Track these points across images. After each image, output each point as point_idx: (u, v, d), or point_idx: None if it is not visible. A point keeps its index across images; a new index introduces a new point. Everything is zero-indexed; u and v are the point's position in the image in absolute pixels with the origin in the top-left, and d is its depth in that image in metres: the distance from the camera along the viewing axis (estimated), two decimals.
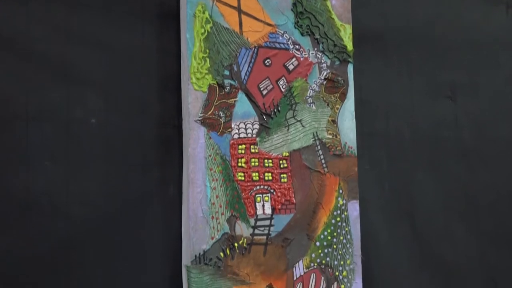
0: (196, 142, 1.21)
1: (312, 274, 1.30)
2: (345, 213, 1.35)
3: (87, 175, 1.17)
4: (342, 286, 1.33)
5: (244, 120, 1.26)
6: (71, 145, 1.17)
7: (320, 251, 1.31)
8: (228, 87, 1.24)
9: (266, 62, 1.28)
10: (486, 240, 1.59)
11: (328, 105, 1.35)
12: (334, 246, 1.33)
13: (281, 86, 1.29)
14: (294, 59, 1.31)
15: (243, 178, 1.24)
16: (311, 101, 1.33)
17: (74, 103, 1.18)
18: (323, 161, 1.33)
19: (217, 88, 1.23)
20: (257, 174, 1.26)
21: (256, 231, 1.24)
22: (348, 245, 1.34)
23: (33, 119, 1.14)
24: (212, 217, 1.20)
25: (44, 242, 1.12)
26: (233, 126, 1.25)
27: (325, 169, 1.33)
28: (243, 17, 1.27)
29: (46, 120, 1.15)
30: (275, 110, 1.29)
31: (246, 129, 1.26)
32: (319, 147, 1.33)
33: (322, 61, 1.34)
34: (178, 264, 1.21)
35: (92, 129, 1.19)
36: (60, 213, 1.14)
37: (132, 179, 1.20)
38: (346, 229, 1.34)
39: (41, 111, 1.15)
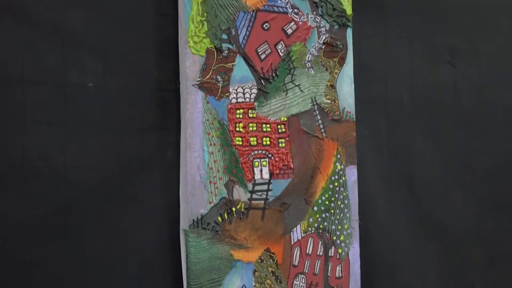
0: (194, 107, 1.20)
1: (310, 239, 1.30)
2: (343, 178, 1.35)
3: (85, 139, 1.17)
4: (340, 250, 1.34)
5: (242, 84, 1.25)
6: (68, 109, 1.16)
7: (317, 215, 1.31)
8: (226, 51, 1.23)
9: (264, 26, 1.27)
10: (484, 205, 1.59)
11: (326, 69, 1.34)
12: (332, 211, 1.33)
13: (279, 51, 1.28)
14: (292, 23, 1.30)
15: (241, 143, 1.24)
16: (309, 65, 1.32)
17: (70, 67, 1.17)
18: (321, 126, 1.32)
19: (215, 52, 1.22)
20: (255, 139, 1.25)
21: (254, 196, 1.24)
22: (345, 210, 1.35)
23: (29, 82, 1.13)
24: (210, 182, 1.20)
25: (42, 205, 1.13)
26: (231, 90, 1.24)
27: (323, 134, 1.33)
28: None
29: (42, 84, 1.14)
30: (274, 74, 1.28)
31: (244, 93, 1.25)
32: (317, 112, 1.32)
33: (321, 25, 1.33)
34: (176, 228, 1.21)
35: (90, 93, 1.18)
36: (58, 177, 1.14)
37: (129, 143, 1.20)
38: (344, 194, 1.35)
39: (38, 75, 1.14)
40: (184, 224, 1.19)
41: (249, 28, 1.26)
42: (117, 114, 1.20)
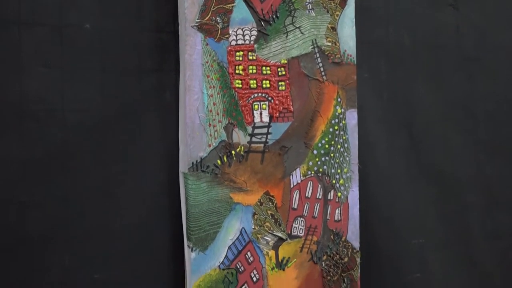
0: (193, 49, 1.19)
1: (309, 182, 1.31)
2: (343, 122, 1.34)
3: (82, 81, 1.15)
4: (339, 194, 1.34)
5: (242, 26, 1.23)
6: (65, 50, 1.15)
7: (317, 159, 1.31)
8: None
9: None
10: (483, 150, 1.59)
11: (327, 11, 1.32)
12: (332, 155, 1.33)
13: None
14: None
15: (240, 86, 1.23)
16: (310, 7, 1.30)
17: (67, 7, 1.15)
18: (321, 69, 1.31)
19: None
20: (254, 81, 1.24)
21: (254, 139, 1.24)
22: (345, 154, 1.34)
23: (25, 23, 1.11)
24: (209, 125, 1.20)
25: (39, 147, 1.12)
26: (230, 32, 1.22)
27: (324, 77, 1.31)
28: None
29: (39, 25, 1.13)
30: (274, 16, 1.26)
31: (244, 35, 1.24)
32: (318, 55, 1.31)
33: None
34: (175, 171, 1.21)
35: (87, 34, 1.16)
36: (55, 119, 1.13)
37: (127, 85, 1.19)
38: (344, 137, 1.34)
39: (34, 15, 1.12)
40: (183, 167, 1.19)
41: None
42: (114, 56, 1.18)
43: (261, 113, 1.25)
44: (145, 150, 1.21)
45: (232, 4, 1.22)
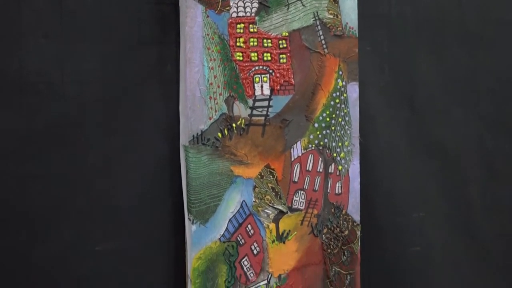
0: (194, 21, 1.18)
1: (310, 155, 1.30)
2: (344, 95, 1.33)
3: (82, 53, 1.15)
4: (340, 167, 1.34)
5: None
6: (66, 22, 1.14)
7: (318, 132, 1.31)
8: None
9: None
10: (485, 124, 1.59)
11: None
12: (333, 128, 1.32)
13: None
14: None
15: (241, 58, 1.22)
16: None
17: None
18: (323, 41, 1.30)
19: None
20: (255, 54, 1.23)
21: (254, 112, 1.23)
22: (346, 127, 1.34)
23: None
24: (210, 97, 1.19)
25: (40, 120, 1.12)
26: (231, 4, 1.21)
27: (325, 50, 1.30)
28: None
29: None
30: None
31: (245, 7, 1.23)
32: (319, 27, 1.30)
33: None
34: (176, 144, 1.20)
35: (87, 5, 1.15)
36: (55, 91, 1.13)
37: (128, 57, 1.18)
38: (345, 110, 1.34)
39: None
40: (184, 140, 1.19)
41: None
42: (115, 28, 1.17)
43: (262, 86, 1.24)
44: (146, 123, 1.21)
45: None
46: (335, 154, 1.33)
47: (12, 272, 1.11)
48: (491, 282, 1.61)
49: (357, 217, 1.37)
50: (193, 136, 1.18)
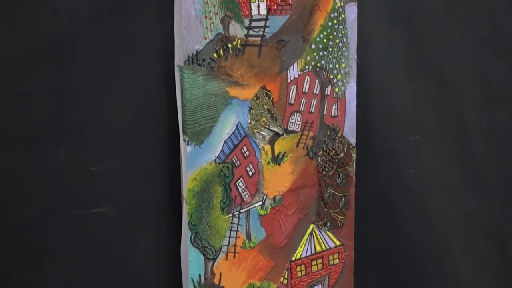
0: None
1: (307, 77, 1.29)
2: (343, 16, 1.31)
3: None
4: (336, 89, 1.33)
5: None
6: None
7: (315, 53, 1.29)
8: None
9: None
10: (484, 46, 1.57)
11: None
12: (330, 49, 1.30)
13: None
14: None
15: None
16: None
17: None
18: None
19: None
20: None
21: (251, 32, 1.21)
22: (344, 48, 1.32)
23: None
24: (206, 17, 1.17)
25: (31, 38, 1.09)
26: None
27: None
28: None
29: None
30: None
31: None
32: None
33: None
34: (171, 64, 1.18)
35: None
36: (47, 9, 1.10)
37: None
38: (343, 32, 1.31)
39: None
40: (178, 60, 1.17)
41: None
42: None
43: (258, 6, 1.21)
44: (140, 43, 1.19)
45: None
46: (332, 76, 1.32)
47: (5, 192, 1.11)
48: (486, 203, 1.63)
49: (352, 139, 1.37)
50: (188, 56, 1.16)
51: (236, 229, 1.24)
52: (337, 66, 1.32)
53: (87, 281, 1.18)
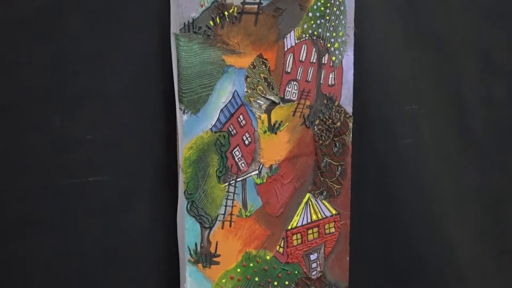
0: None
1: (304, 45, 1.28)
2: None
3: None
4: (333, 58, 1.32)
5: None
6: None
7: (312, 22, 1.28)
8: None
9: None
10: (483, 15, 1.56)
11: None
12: (327, 17, 1.29)
13: None
14: None
15: None
16: None
17: None
18: None
19: None
20: None
21: (247, 0, 1.20)
22: (341, 17, 1.31)
23: None
24: None
25: (27, 7, 1.08)
26: None
27: None
28: None
29: None
30: None
31: None
32: None
33: None
34: (167, 32, 1.17)
35: None
36: None
37: None
38: (340, 0, 1.30)
39: None
40: (174, 28, 1.16)
41: None
42: None
43: None
44: (136, 11, 1.18)
45: None
46: (329, 45, 1.31)
47: (1, 160, 1.11)
48: (482, 173, 1.64)
49: (349, 108, 1.36)
50: (184, 24, 1.15)
51: (232, 198, 1.25)
52: (334, 34, 1.31)
53: (83, 249, 1.19)
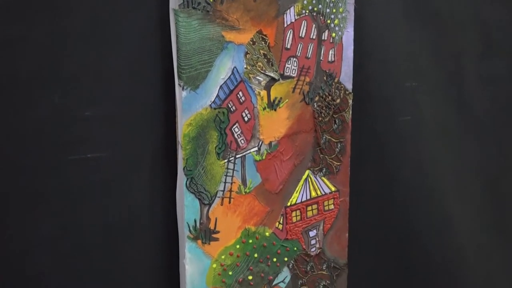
0: None
1: (303, 21, 1.27)
2: None
3: None
4: (333, 34, 1.31)
5: None
6: None
7: None
8: None
9: None
10: None
11: None
12: None
13: None
14: None
15: None
16: None
17: None
18: None
19: None
20: None
21: None
22: None
23: None
24: None
25: None
26: None
27: None
28: None
29: None
30: None
31: None
32: None
33: None
34: (166, 8, 1.17)
35: None
36: None
37: None
38: None
39: None
40: (173, 3, 1.15)
41: None
42: None
43: None
44: None
45: None
46: (329, 21, 1.30)
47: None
48: (481, 150, 1.64)
49: (349, 85, 1.36)
50: None
51: (231, 174, 1.25)
52: (334, 10, 1.30)
53: (81, 225, 1.19)
